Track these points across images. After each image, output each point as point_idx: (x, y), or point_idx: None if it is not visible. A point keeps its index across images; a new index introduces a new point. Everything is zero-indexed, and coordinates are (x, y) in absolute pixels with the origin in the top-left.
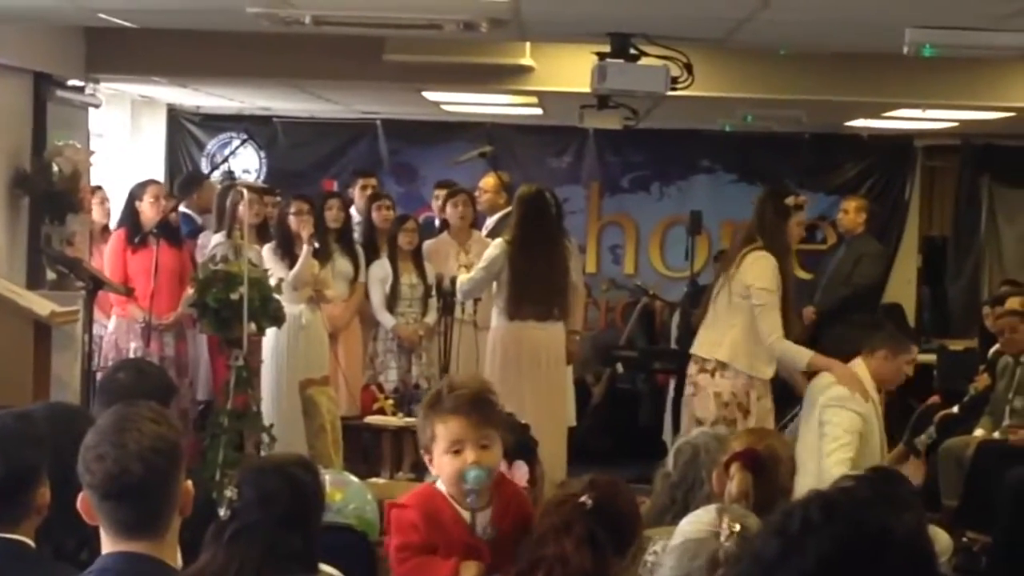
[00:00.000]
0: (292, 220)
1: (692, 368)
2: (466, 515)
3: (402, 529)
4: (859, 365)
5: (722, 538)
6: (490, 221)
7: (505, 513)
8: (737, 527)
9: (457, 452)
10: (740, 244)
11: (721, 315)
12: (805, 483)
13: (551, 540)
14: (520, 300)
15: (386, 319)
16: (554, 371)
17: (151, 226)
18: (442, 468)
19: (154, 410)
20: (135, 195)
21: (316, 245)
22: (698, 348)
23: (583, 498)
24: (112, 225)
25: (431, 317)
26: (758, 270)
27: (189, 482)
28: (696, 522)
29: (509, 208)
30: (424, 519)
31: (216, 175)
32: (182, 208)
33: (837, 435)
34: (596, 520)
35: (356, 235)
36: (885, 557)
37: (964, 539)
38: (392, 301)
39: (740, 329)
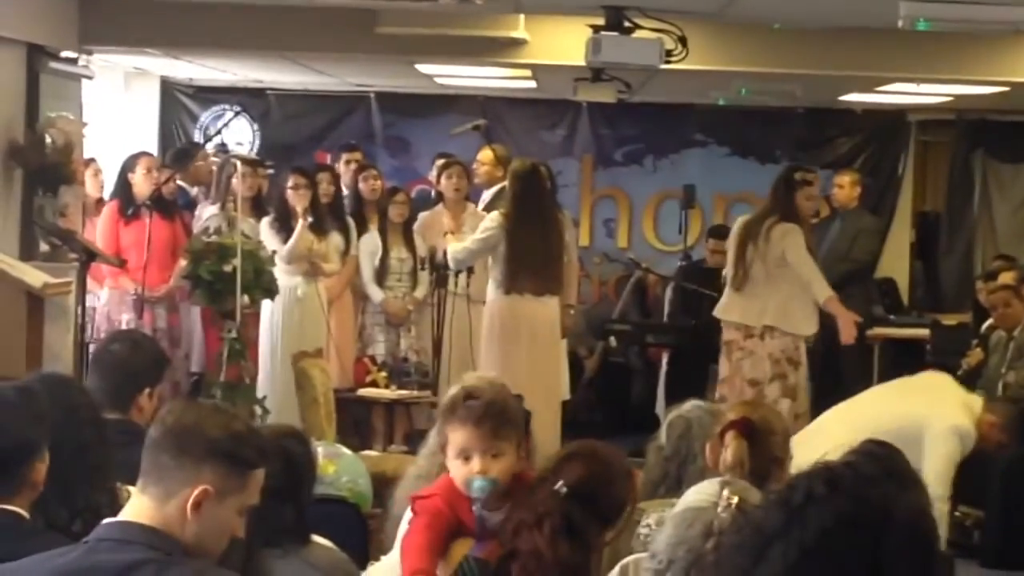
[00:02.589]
0: (289, 194)
1: (736, 335)
2: (477, 509)
3: (427, 509)
4: (976, 401)
5: (719, 509)
6: (487, 194)
7: None
8: (736, 499)
9: (466, 459)
10: (759, 218)
11: (760, 285)
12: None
13: (524, 534)
14: (517, 274)
15: (375, 292)
16: (549, 345)
17: (144, 198)
18: (452, 472)
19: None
20: (127, 167)
21: (311, 219)
22: (742, 317)
23: (558, 485)
24: (106, 197)
25: (420, 291)
26: (788, 240)
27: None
28: (699, 492)
29: (505, 183)
30: (447, 505)
31: (209, 147)
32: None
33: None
34: (574, 503)
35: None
36: (886, 534)
37: (956, 514)
38: (381, 274)
39: (784, 295)
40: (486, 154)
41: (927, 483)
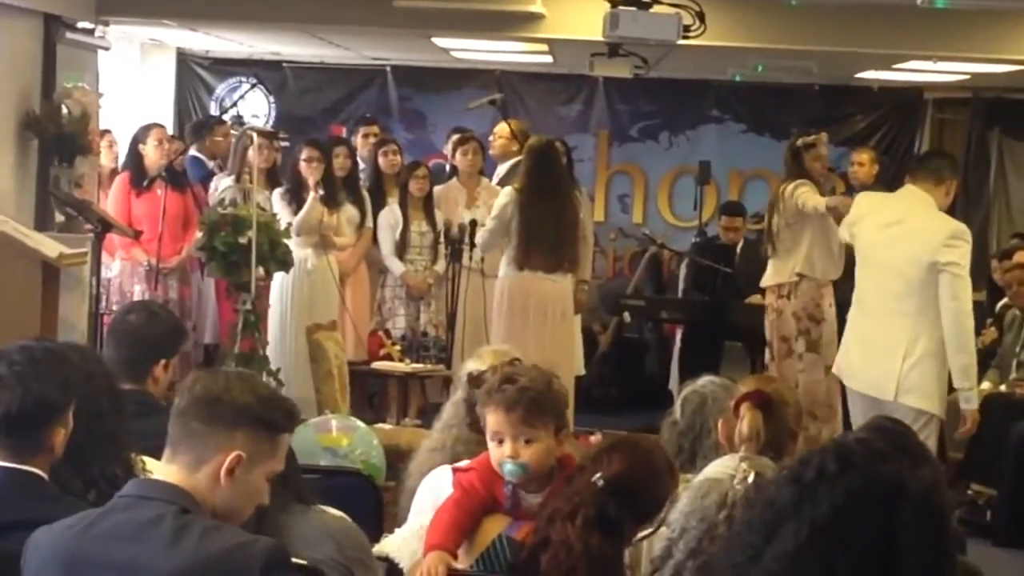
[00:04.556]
0: (302, 166)
1: (771, 298)
2: (509, 491)
3: (462, 485)
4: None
5: (735, 482)
6: (501, 168)
7: None
8: (752, 474)
9: (499, 443)
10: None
11: (786, 243)
12: None
13: (557, 524)
14: (529, 250)
15: (395, 266)
16: (560, 323)
17: (156, 170)
18: (490, 452)
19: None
20: (139, 139)
21: (321, 192)
22: (773, 279)
23: (595, 477)
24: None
25: (440, 265)
26: (798, 191)
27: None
28: (719, 465)
29: (520, 157)
30: (482, 483)
31: (225, 119)
32: (193, 152)
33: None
34: (610, 496)
35: (362, 181)
36: (897, 510)
37: (969, 492)
38: (402, 248)
39: (808, 244)
40: (503, 127)
41: (951, 331)
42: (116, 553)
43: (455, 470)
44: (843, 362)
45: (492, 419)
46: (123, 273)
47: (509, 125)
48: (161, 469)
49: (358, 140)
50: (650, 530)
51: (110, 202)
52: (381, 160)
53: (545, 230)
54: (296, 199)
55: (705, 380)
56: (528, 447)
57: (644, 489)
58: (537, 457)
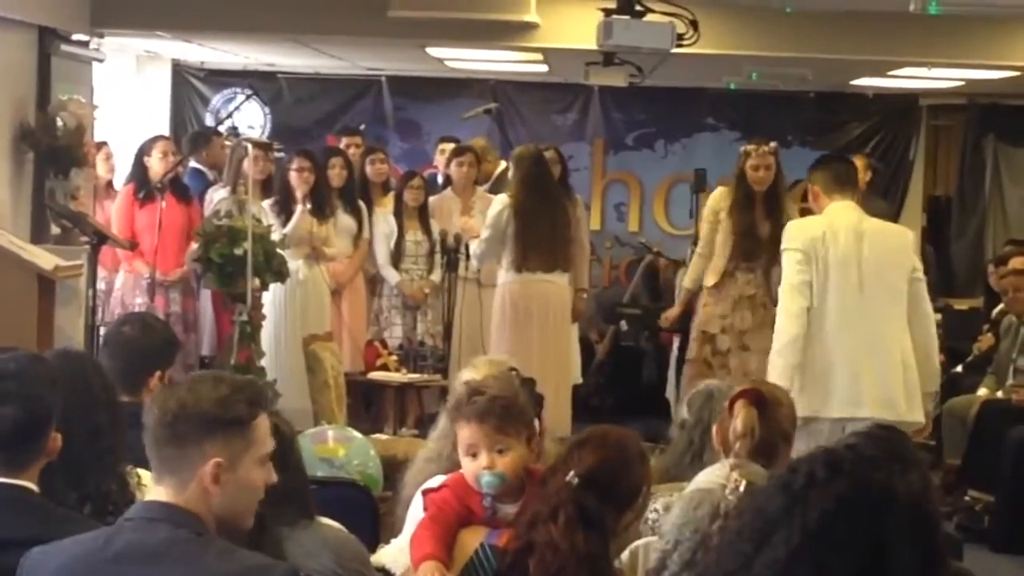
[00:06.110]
0: (293, 177)
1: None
2: (488, 503)
3: (436, 503)
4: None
5: (727, 491)
6: (486, 185)
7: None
8: (744, 483)
9: (473, 456)
10: None
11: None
12: None
13: (539, 526)
14: (527, 251)
15: (391, 275)
16: (561, 323)
17: (158, 181)
18: (464, 467)
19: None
20: (144, 151)
21: (309, 205)
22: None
23: (569, 476)
24: (117, 180)
25: (436, 274)
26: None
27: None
28: (709, 474)
29: (504, 165)
30: (456, 498)
31: (221, 130)
32: (193, 164)
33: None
34: (587, 492)
35: None
36: (888, 516)
37: (967, 498)
38: (397, 258)
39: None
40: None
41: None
42: (131, 575)
43: (424, 492)
44: (831, 395)
45: (465, 432)
46: (125, 285)
47: (476, 145)
48: (154, 490)
49: None
50: (632, 517)
51: (115, 214)
52: (368, 168)
53: (541, 231)
54: (285, 210)
55: (707, 381)
56: (503, 456)
57: (619, 478)
58: (513, 466)
